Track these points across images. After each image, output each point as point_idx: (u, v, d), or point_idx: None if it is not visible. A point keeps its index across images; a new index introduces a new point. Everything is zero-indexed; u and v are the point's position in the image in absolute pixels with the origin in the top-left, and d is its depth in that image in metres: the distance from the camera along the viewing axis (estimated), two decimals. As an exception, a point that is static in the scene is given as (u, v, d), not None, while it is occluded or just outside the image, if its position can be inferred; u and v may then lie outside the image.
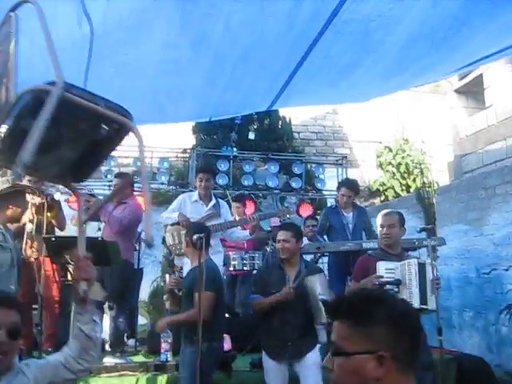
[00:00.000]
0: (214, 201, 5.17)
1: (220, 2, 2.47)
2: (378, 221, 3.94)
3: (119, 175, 5.77)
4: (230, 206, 5.88)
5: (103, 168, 8.11)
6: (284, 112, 10.37)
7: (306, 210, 8.37)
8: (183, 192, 6.63)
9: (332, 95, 3.88)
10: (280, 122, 10.51)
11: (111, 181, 7.55)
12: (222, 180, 8.53)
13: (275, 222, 6.58)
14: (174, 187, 8.72)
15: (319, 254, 6.12)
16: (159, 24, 2.62)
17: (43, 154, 1.14)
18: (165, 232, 5.21)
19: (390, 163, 11.47)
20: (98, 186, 8.00)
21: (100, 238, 4.77)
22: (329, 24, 2.61)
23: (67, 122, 1.23)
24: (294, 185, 9.09)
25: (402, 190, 11.07)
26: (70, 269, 5.09)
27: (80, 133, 1.28)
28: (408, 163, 11.30)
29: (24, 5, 1.38)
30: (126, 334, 5.28)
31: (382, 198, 11.25)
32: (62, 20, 2.29)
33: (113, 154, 6.31)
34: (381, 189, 11.33)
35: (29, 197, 4.15)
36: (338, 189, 6.06)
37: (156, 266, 8.45)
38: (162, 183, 8.62)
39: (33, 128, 1.11)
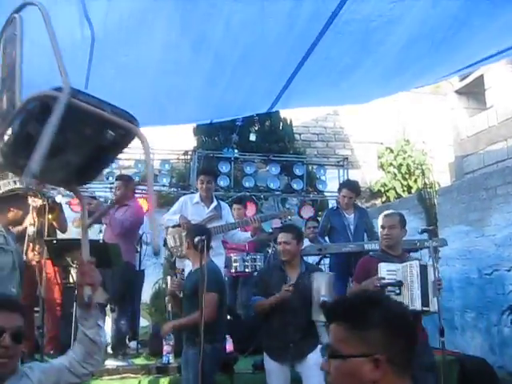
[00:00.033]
0: (215, 203, 5.17)
1: (220, 3, 2.47)
2: (378, 222, 3.94)
3: (120, 177, 5.78)
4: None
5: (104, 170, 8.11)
6: (285, 113, 10.36)
7: (308, 212, 8.37)
8: (184, 194, 6.62)
9: (332, 96, 3.89)
10: (281, 124, 10.50)
11: (112, 183, 7.55)
12: (223, 182, 8.55)
13: (277, 223, 6.59)
14: (175, 189, 8.72)
15: (321, 256, 6.11)
16: (159, 25, 2.62)
17: (48, 159, 1.13)
18: (166, 234, 5.21)
19: (391, 164, 11.45)
20: (100, 188, 8.01)
21: (101, 241, 4.77)
22: (329, 24, 2.61)
23: (73, 128, 1.22)
24: (295, 186, 9.09)
25: (404, 190, 11.06)
26: (72, 271, 5.10)
27: (86, 138, 1.28)
28: (409, 164, 11.28)
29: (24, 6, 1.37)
30: (127, 337, 5.28)
31: (384, 199, 11.24)
32: (63, 22, 2.29)
33: (114, 156, 6.30)
34: (382, 190, 11.32)
35: (30, 199, 4.15)
36: (339, 190, 6.05)
37: (158, 268, 8.44)
38: (164, 185, 8.63)
39: (41, 136, 1.10)
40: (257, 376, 4.33)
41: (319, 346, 3.74)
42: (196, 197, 5.23)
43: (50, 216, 4.46)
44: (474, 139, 9.78)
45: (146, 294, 7.59)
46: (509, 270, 5.52)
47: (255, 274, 5.57)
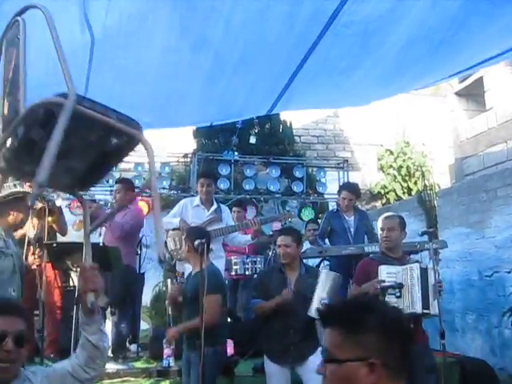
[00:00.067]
0: (215, 205, 5.17)
1: (220, 5, 2.47)
2: (378, 224, 3.94)
3: (120, 181, 5.77)
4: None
5: (104, 173, 8.10)
6: (285, 116, 10.37)
7: (308, 214, 8.37)
8: (185, 197, 6.62)
9: (332, 98, 3.89)
10: (281, 126, 10.50)
11: (112, 186, 7.55)
12: (223, 184, 8.54)
13: (277, 226, 6.59)
14: (175, 192, 8.72)
15: (321, 258, 6.11)
16: (159, 27, 2.62)
17: (52, 165, 1.13)
18: (166, 237, 5.21)
19: (391, 166, 11.46)
20: (99, 191, 8.00)
21: (101, 244, 4.77)
22: (329, 26, 2.61)
23: (77, 134, 1.22)
24: (295, 189, 9.09)
25: (404, 192, 11.06)
26: (72, 274, 5.10)
27: (90, 144, 1.27)
28: (409, 166, 11.29)
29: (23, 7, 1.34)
30: (128, 340, 5.27)
31: (384, 201, 11.24)
32: (63, 26, 2.29)
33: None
34: (382, 192, 11.32)
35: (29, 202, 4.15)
36: (339, 192, 6.06)
37: (158, 271, 8.42)
38: (164, 188, 8.61)
39: (48, 144, 1.09)
40: (257, 379, 4.32)
41: (320, 349, 3.74)
42: (196, 200, 5.23)
43: (49, 219, 4.46)
44: (474, 141, 9.78)
45: (147, 297, 7.57)
46: (509, 272, 5.52)
47: (255, 276, 5.57)
